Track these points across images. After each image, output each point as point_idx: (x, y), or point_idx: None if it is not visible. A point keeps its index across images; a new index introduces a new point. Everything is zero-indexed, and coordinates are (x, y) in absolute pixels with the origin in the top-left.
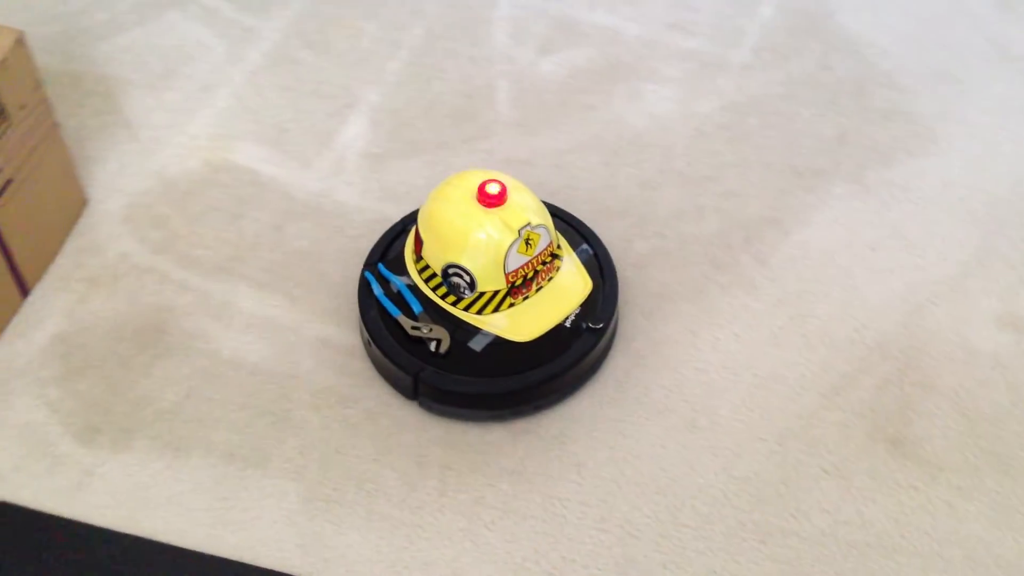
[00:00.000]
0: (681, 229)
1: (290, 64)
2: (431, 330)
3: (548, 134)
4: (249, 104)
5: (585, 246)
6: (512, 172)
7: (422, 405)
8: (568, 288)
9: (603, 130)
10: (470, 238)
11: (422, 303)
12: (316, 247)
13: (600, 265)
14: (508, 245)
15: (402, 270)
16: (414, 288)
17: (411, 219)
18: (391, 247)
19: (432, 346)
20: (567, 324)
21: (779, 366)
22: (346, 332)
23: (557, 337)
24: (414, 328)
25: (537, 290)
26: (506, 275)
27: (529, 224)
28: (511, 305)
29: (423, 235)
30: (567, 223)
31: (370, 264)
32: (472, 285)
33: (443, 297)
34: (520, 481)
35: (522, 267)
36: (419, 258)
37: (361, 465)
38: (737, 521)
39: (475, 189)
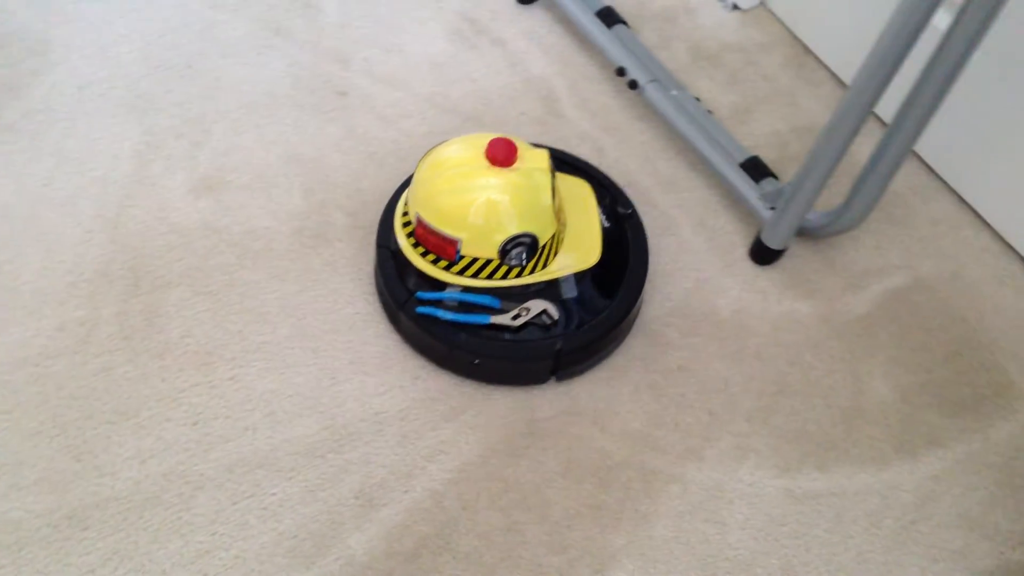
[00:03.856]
0: None
1: None
2: (529, 310)
3: None
4: None
5: None
6: None
7: (560, 379)
8: (577, 196)
9: None
10: (524, 203)
11: (492, 295)
12: None
13: (566, 162)
14: (550, 186)
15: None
16: (469, 289)
17: (385, 242)
18: (403, 276)
19: (545, 320)
20: (606, 224)
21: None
22: None
23: (610, 239)
24: (516, 318)
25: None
26: (556, 215)
27: (551, 154)
28: (561, 240)
29: (456, 234)
30: None
31: (408, 301)
32: (534, 244)
33: (505, 277)
34: None
35: (557, 199)
36: (456, 259)
37: None
38: None
39: (480, 157)
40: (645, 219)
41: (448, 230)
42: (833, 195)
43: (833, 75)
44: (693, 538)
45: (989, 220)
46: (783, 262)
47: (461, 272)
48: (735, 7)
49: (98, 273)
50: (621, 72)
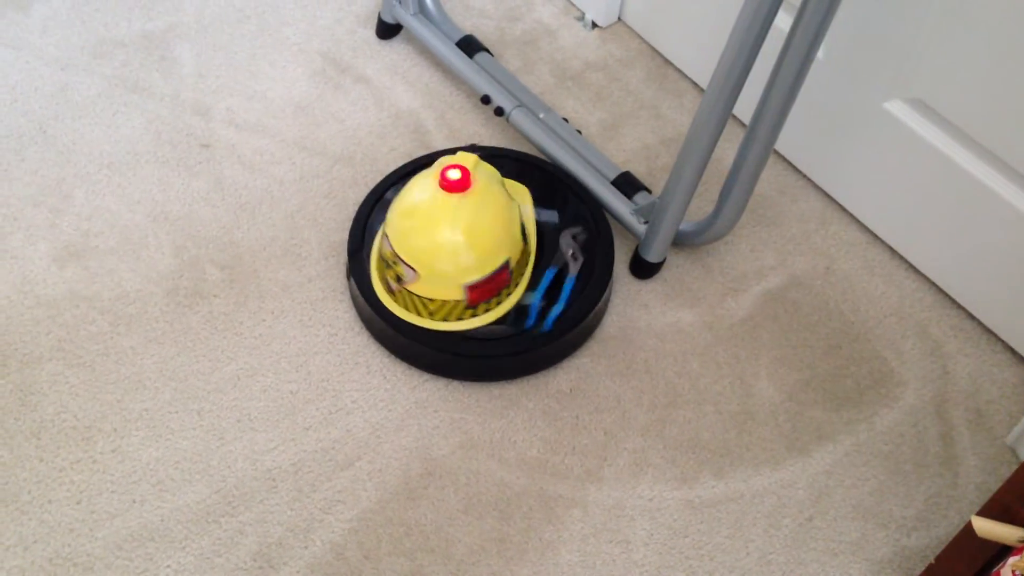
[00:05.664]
0: None
1: None
2: (568, 246)
3: None
4: None
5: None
6: None
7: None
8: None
9: None
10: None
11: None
12: None
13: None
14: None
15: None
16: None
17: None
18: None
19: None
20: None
21: None
22: None
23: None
24: (575, 257)
25: None
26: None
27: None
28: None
29: (502, 259)
30: None
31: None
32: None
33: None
34: None
35: None
36: (509, 281)
37: None
38: None
39: (437, 191)
40: None
41: (493, 265)
42: (708, 203)
43: (694, 84)
44: (598, 560)
45: (855, 213)
46: (663, 274)
47: (514, 290)
48: (594, 25)
49: None
50: (486, 100)
